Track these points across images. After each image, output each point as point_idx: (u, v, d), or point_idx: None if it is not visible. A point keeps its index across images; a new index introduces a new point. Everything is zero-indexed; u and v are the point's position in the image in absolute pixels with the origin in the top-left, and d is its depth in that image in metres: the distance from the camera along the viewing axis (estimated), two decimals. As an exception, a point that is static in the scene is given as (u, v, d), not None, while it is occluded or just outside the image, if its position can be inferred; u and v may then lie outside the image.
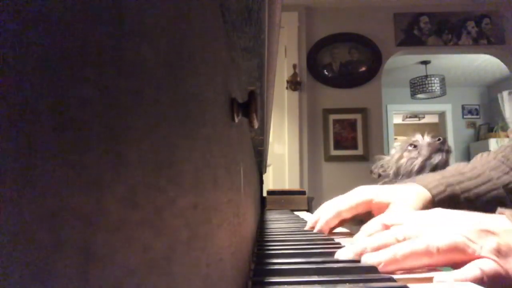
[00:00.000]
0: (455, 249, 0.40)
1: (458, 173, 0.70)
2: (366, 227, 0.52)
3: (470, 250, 0.40)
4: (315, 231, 0.69)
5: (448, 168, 0.75)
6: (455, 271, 0.39)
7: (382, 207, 0.65)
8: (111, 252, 0.08)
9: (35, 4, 0.06)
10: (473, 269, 0.38)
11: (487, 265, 0.39)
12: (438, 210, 0.48)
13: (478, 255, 0.39)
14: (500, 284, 0.39)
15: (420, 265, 0.40)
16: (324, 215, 0.67)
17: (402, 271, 0.41)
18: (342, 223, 0.69)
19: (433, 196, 0.65)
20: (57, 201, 0.06)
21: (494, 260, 0.39)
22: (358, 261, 0.42)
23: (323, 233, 0.68)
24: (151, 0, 0.11)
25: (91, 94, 0.07)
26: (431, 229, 0.43)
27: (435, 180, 0.67)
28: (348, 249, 0.45)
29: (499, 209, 0.45)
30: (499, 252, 0.39)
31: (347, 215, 0.67)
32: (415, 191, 0.66)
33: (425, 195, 0.65)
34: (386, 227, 0.50)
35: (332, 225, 0.67)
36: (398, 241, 0.43)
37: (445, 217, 0.45)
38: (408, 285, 0.33)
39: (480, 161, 0.73)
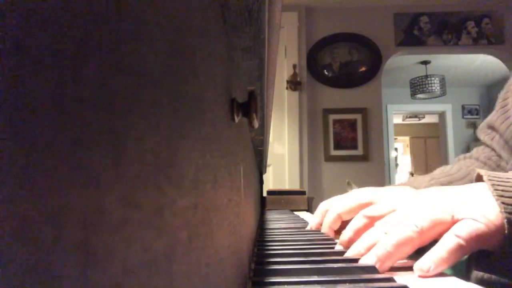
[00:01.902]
0: (437, 222, 0.41)
1: (446, 174, 0.73)
2: (352, 224, 0.54)
3: (449, 217, 0.41)
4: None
5: (435, 171, 0.78)
6: (432, 249, 0.39)
7: None
8: (111, 252, 0.08)
9: (35, 3, 0.06)
10: (448, 240, 0.39)
11: (463, 228, 0.39)
12: (410, 192, 0.50)
13: (457, 219, 0.41)
14: (488, 241, 0.39)
15: (413, 249, 0.41)
16: (326, 220, 0.68)
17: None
18: (343, 224, 0.69)
19: None
20: (57, 201, 0.06)
21: (473, 219, 0.40)
22: (358, 261, 0.42)
23: (324, 233, 0.68)
24: (151, 0, 0.11)
25: (91, 93, 0.07)
26: (410, 212, 0.45)
27: (426, 182, 0.69)
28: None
29: (478, 170, 0.47)
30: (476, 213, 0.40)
31: (347, 217, 0.67)
32: (411, 194, 0.68)
33: None
34: (369, 218, 0.51)
35: (335, 228, 0.68)
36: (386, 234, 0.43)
37: (421, 196, 0.47)
38: (408, 284, 0.33)
39: (465, 163, 0.77)
